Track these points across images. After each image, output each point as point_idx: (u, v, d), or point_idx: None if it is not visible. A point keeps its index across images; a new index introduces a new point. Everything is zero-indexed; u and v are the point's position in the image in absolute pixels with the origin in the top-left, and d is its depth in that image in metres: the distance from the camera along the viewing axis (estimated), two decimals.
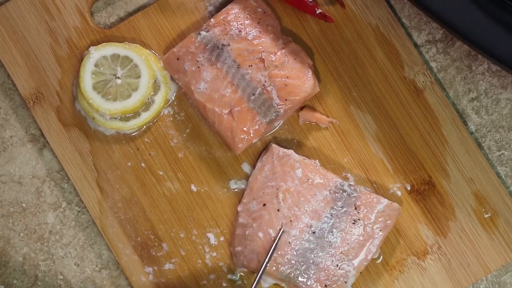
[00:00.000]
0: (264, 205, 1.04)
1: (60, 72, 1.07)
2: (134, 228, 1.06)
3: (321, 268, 1.03)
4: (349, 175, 1.07)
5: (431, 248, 1.06)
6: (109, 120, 1.05)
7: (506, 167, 1.09)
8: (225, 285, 1.06)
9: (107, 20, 1.10)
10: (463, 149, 1.07)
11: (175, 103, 1.07)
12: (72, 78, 1.07)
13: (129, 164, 1.07)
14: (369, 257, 1.03)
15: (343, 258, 1.03)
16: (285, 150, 1.05)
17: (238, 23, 1.05)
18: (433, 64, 1.09)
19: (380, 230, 1.03)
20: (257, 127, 1.04)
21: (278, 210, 1.03)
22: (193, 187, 1.07)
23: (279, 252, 1.03)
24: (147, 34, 1.08)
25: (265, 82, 1.04)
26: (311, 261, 1.03)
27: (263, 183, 1.04)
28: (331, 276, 1.03)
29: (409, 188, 1.07)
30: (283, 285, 1.05)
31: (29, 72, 1.07)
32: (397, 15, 1.09)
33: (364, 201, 1.03)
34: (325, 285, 1.03)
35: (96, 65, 1.04)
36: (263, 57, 1.04)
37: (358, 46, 1.07)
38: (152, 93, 1.06)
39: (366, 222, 1.03)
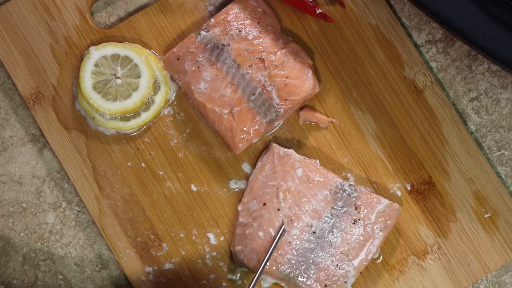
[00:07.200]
0: (265, 204, 1.04)
1: (60, 72, 1.07)
2: (134, 228, 1.06)
3: (321, 268, 1.03)
4: (349, 175, 1.07)
5: (431, 248, 1.06)
6: (109, 120, 1.05)
7: (506, 167, 1.09)
8: (225, 285, 1.06)
9: (107, 20, 1.10)
10: (463, 149, 1.07)
11: (175, 103, 1.07)
12: (72, 78, 1.07)
13: (129, 164, 1.07)
14: (369, 257, 1.03)
15: (343, 258, 1.03)
16: (285, 149, 1.05)
17: (238, 23, 1.05)
18: (433, 64, 1.09)
19: (380, 230, 1.03)
20: (257, 127, 1.04)
21: (278, 209, 1.03)
22: (193, 187, 1.07)
23: (279, 252, 1.03)
24: (147, 34, 1.08)
25: (265, 82, 1.04)
26: (311, 261, 1.03)
27: (264, 182, 1.04)
28: (331, 276, 1.03)
29: (409, 188, 1.07)
30: (283, 284, 1.05)
31: (29, 72, 1.07)
32: (397, 15, 1.09)
33: (364, 201, 1.03)
34: (325, 285, 1.03)
35: (96, 65, 1.04)
36: (263, 57, 1.04)
37: (358, 46, 1.07)
38: (152, 93, 1.06)
39: (366, 222, 1.03)
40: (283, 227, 1.03)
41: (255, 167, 1.06)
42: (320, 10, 1.06)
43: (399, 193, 1.07)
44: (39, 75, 1.07)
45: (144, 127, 1.07)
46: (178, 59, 1.05)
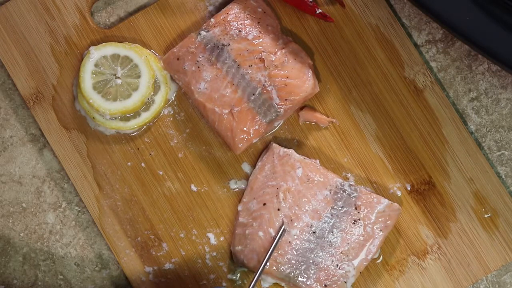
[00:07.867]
0: (265, 204, 1.04)
1: (60, 72, 1.07)
2: (134, 228, 1.06)
3: (321, 268, 1.03)
4: (349, 175, 1.07)
5: (431, 248, 1.06)
6: (109, 120, 1.05)
7: (506, 167, 1.09)
8: (225, 285, 1.06)
9: (107, 20, 1.10)
10: (463, 149, 1.07)
11: (175, 103, 1.07)
12: (72, 78, 1.07)
13: (129, 164, 1.07)
14: (369, 257, 1.03)
15: (343, 258, 1.03)
16: (285, 149, 1.05)
17: (238, 23, 1.05)
18: (433, 64, 1.09)
19: (380, 230, 1.03)
20: (257, 127, 1.04)
21: (278, 209, 1.03)
22: (193, 187, 1.07)
23: (279, 252, 1.03)
24: (147, 34, 1.08)
25: (265, 82, 1.04)
26: (311, 261, 1.03)
27: (264, 182, 1.04)
28: (331, 276, 1.03)
29: (409, 188, 1.07)
30: (283, 284, 1.05)
31: (29, 72, 1.07)
32: (397, 15, 1.09)
33: (364, 201, 1.03)
34: (325, 285, 1.03)
35: (96, 65, 1.04)
36: (263, 57, 1.04)
37: (358, 46, 1.07)
38: (152, 93, 1.06)
39: (366, 222, 1.03)
40: (283, 227, 1.03)
41: (255, 167, 1.06)
42: (320, 10, 1.06)
43: (399, 193, 1.07)
44: (39, 75, 1.07)
45: (144, 127, 1.07)
46: (178, 59, 1.05)
